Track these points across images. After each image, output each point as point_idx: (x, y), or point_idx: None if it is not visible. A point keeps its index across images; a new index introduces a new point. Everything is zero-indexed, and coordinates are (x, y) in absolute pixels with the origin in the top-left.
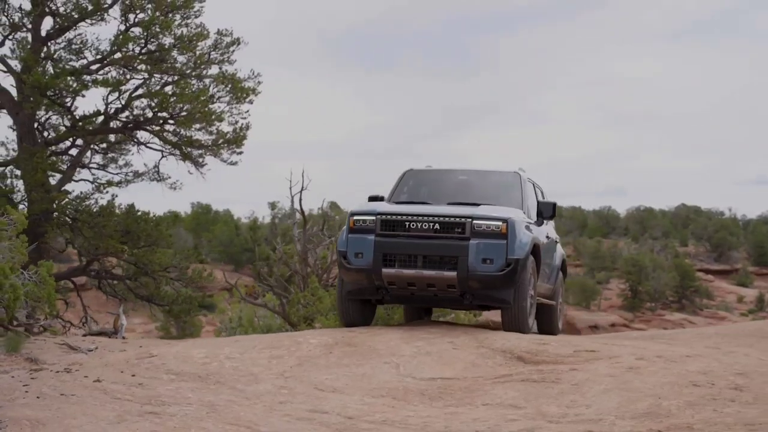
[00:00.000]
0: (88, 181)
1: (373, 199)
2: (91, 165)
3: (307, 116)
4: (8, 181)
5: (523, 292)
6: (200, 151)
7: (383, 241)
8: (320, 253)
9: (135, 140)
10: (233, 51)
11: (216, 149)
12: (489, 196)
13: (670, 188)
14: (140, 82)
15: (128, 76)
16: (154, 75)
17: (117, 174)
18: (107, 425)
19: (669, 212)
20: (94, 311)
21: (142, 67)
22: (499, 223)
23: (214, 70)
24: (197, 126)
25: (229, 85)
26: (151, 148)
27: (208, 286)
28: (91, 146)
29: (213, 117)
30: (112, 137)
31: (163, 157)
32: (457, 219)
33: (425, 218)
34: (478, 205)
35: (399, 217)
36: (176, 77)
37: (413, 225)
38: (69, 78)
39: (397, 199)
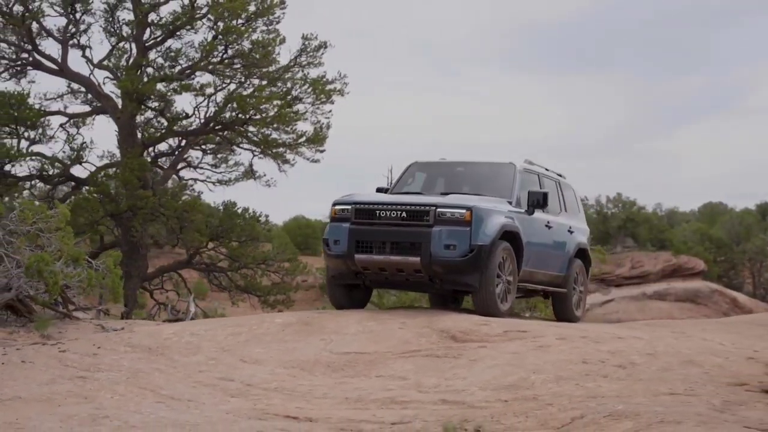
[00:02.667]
0: (190, 180)
1: (379, 190)
2: (202, 165)
3: (514, 115)
4: (104, 181)
5: (491, 277)
6: (283, 150)
7: (356, 228)
8: None
9: (227, 141)
10: (321, 54)
11: (295, 148)
12: (481, 186)
13: None
14: (230, 86)
15: (217, 81)
16: (247, 79)
17: (222, 173)
18: (36, 385)
19: None
20: (203, 300)
21: (227, 72)
22: (463, 210)
23: (301, 73)
24: (275, 126)
25: (311, 87)
26: (241, 148)
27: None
28: (194, 148)
29: (290, 118)
30: (216, 139)
31: (254, 156)
32: (423, 207)
33: (393, 207)
34: (472, 194)
35: (370, 206)
36: (264, 81)
37: (383, 213)
38: (160, 84)
39: (399, 190)
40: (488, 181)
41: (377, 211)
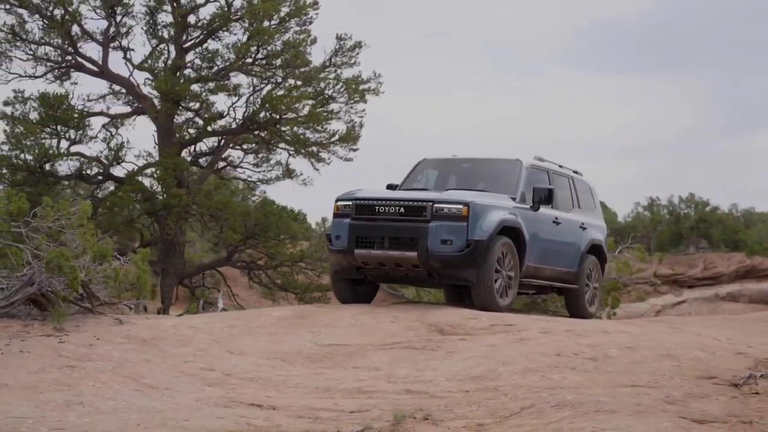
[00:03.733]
0: (241, 178)
1: (389, 187)
2: (243, 164)
3: (582, 114)
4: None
5: (489, 272)
6: (315, 149)
7: (357, 224)
8: None
9: (263, 140)
10: (357, 54)
11: (327, 146)
12: (487, 182)
13: None
14: (267, 86)
15: (255, 81)
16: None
17: (263, 172)
18: (25, 374)
19: None
20: (244, 299)
21: (267, 72)
22: (460, 206)
23: (334, 73)
24: (306, 125)
25: (344, 86)
26: (276, 147)
27: None
28: (230, 146)
29: (322, 117)
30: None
31: (289, 155)
32: (420, 203)
33: (392, 203)
34: (475, 190)
35: (370, 202)
36: (299, 82)
37: (381, 209)
38: (195, 84)
39: (408, 186)
40: (494, 177)
41: (376, 207)
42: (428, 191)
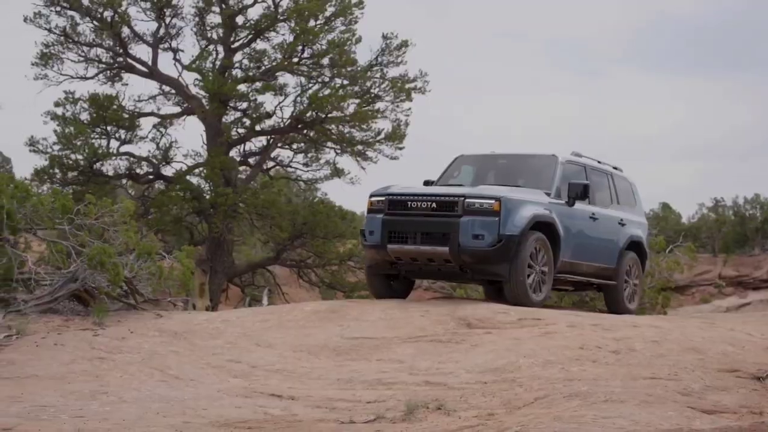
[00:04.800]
0: (298, 178)
1: (426, 183)
2: (293, 163)
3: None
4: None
5: (521, 267)
6: (362, 147)
7: (389, 219)
8: None
9: (310, 140)
10: (403, 53)
11: (372, 145)
12: (523, 178)
13: None
14: (314, 86)
15: (303, 81)
16: (332, 79)
17: (312, 171)
18: (57, 365)
19: None
20: (292, 297)
21: (314, 72)
22: (492, 201)
23: (380, 72)
24: (352, 124)
25: (390, 85)
26: (324, 146)
27: None
28: (277, 146)
29: (368, 116)
30: (300, 138)
31: (336, 154)
32: (452, 198)
33: (424, 197)
34: (509, 186)
35: (402, 197)
36: (346, 81)
37: (414, 204)
38: (242, 84)
39: (445, 182)
40: (530, 173)
41: (409, 202)
42: (462, 186)
